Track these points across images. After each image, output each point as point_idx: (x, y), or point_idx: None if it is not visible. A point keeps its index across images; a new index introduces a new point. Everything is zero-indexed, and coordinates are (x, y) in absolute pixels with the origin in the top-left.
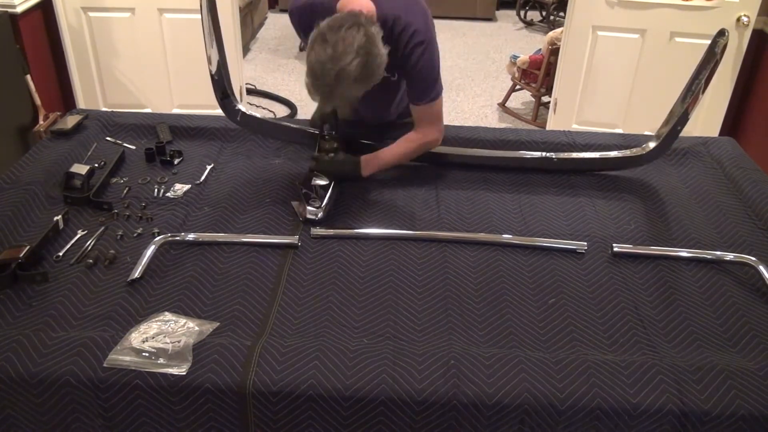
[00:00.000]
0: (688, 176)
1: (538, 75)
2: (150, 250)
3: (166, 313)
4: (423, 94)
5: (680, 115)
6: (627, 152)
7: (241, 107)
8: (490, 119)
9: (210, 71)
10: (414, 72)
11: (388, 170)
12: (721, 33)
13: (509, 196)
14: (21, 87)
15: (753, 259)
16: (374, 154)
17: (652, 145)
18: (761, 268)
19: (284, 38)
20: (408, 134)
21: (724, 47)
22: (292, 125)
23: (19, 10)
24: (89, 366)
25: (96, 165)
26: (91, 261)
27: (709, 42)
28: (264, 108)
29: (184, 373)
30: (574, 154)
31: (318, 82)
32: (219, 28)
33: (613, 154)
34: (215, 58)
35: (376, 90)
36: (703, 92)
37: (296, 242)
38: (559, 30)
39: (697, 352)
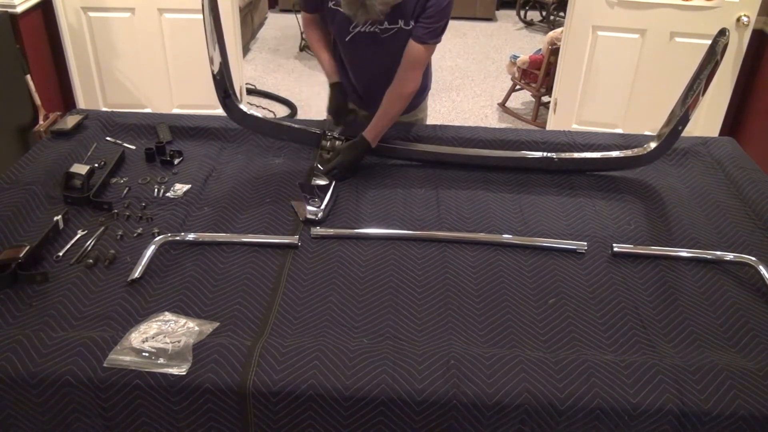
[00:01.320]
0: (688, 176)
1: (538, 75)
2: (150, 250)
3: (166, 313)
4: (432, 35)
5: (681, 116)
6: (629, 152)
7: (243, 107)
8: (490, 119)
9: (212, 71)
10: (433, 11)
11: (389, 169)
12: (722, 33)
13: (509, 196)
14: (21, 87)
15: (753, 259)
16: (373, 125)
17: (653, 145)
18: (761, 268)
19: (284, 38)
20: (391, 92)
21: (725, 47)
22: (293, 125)
23: (19, 10)
24: (89, 366)
25: (96, 165)
26: (91, 261)
27: (709, 42)
28: (264, 108)
29: (184, 373)
30: (576, 155)
31: None
32: (221, 27)
33: (615, 154)
34: (217, 57)
35: (389, 46)
36: (704, 92)
37: (296, 242)
38: (559, 30)
39: (697, 352)
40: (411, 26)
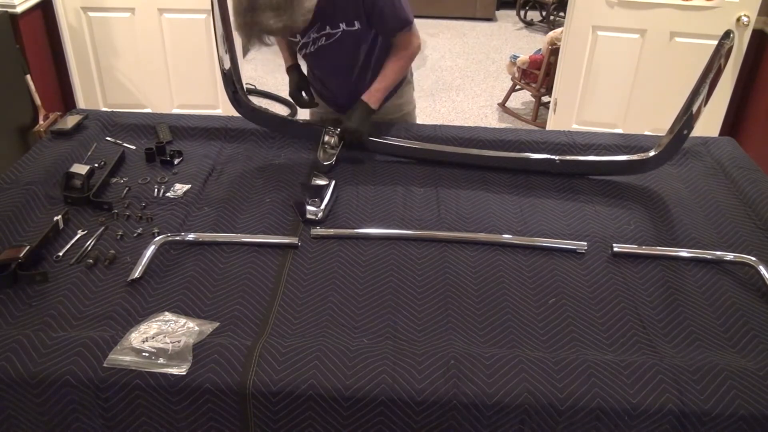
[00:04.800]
0: (688, 176)
1: (538, 75)
2: (150, 250)
3: (166, 313)
4: (397, 25)
5: (686, 119)
6: (633, 156)
7: (252, 102)
8: (490, 119)
9: (221, 68)
10: (377, 11)
11: (389, 170)
12: (727, 35)
13: (509, 196)
14: (21, 87)
15: (753, 259)
16: (373, 89)
17: (658, 149)
18: (761, 268)
19: None
20: (393, 54)
21: (729, 50)
22: (300, 120)
23: (19, 10)
24: (89, 366)
25: (96, 165)
26: (91, 261)
27: (708, 42)
28: (265, 108)
29: (184, 373)
30: (578, 157)
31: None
32: (230, 24)
33: (619, 157)
34: (226, 54)
35: (341, 51)
36: (710, 94)
37: (296, 242)
38: (559, 30)
39: (697, 352)
40: (357, 27)
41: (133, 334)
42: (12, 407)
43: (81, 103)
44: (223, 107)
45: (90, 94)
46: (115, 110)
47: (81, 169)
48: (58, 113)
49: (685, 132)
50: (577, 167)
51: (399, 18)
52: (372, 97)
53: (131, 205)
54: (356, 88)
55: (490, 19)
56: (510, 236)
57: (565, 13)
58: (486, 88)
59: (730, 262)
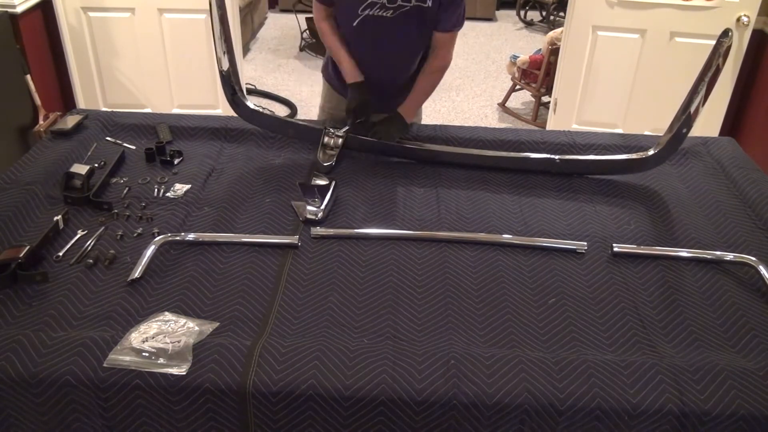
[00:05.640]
0: (688, 176)
1: (538, 75)
2: (150, 250)
3: (166, 313)
4: (457, 22)
5: (685, 118)
6: (633, 155)
7: (251, 104)
8: (490, 119)
9: (220, 69)
10: (456, 1)
11: (389, 170)
12: (725, 33)
13: (509, 196)
14: (21, 87)
15: (753, 259)
16: (408, 102)
17: (657, 148)
18: (761, 268)
19: (284, 38)
20: (426, 68)
21: (728, 49)
22: (298, 122)
23: (19, 10)
24: (89, 366)
25: (96, 165)
26: (91, 261)
27: (708, 42)
28: (264, 108)
29: (184, 373)
30: (578, 157)
31: None
32: (228, 25)
33: (619, 157)
34: (225, 55)
35: (398, 28)
36: (708, 93)
37: (296, 242)
38: (559, 30)
39: (697, 352)
40: (428, 4)
41: (133, 334)
42: (12, 407)
43: (81, 103)
44: (223, 107)
45: (90, 94)
46: (115, 110)
47: (81, 169)
48: (58, 113)
49: (684, 131)
50: (576, 166)
51: (461, 15)
52: (407, 111)
53: (131, 205)
54: (392, 74)
55: (490, 19)
56: (510, 236)
57: (565, 13)
58: (486, 88)
59: (730, 262)
